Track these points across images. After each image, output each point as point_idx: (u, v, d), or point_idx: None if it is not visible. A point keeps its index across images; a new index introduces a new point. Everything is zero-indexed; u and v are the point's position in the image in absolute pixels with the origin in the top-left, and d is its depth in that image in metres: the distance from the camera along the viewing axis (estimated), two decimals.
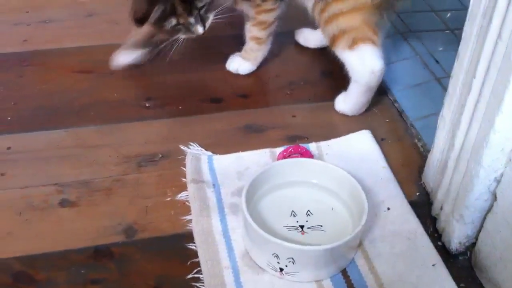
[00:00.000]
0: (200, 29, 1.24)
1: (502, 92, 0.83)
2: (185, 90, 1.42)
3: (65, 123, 1.29)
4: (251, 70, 1.45)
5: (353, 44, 1.22)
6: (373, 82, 1.25)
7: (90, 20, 1.65)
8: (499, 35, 0.83)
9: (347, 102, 1.33)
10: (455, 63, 0.98)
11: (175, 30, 1.25)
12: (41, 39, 1.57)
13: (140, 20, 1.19)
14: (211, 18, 1.26)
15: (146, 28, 1.32)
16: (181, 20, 1.22)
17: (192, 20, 1.23)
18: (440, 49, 1.53)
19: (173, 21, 1.22)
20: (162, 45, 1.31)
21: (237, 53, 1.45)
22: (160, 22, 1.21)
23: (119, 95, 1.39)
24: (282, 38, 1.57)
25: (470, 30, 0.91)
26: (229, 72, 1.45)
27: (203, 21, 1.24)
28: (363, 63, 1.24)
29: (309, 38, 1.50)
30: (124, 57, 1.41)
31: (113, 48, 1.42)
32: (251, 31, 1.39)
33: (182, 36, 1.27)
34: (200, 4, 1.22)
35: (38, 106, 1.34)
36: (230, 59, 1.45)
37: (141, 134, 1.28)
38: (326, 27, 1.25)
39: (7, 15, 1.67)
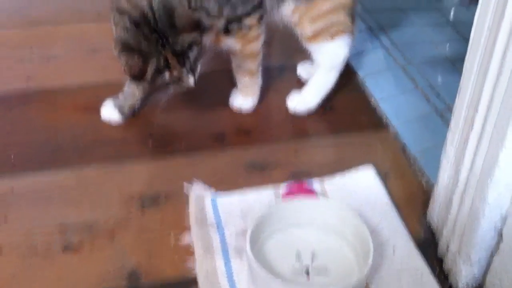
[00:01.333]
0: (191, 81, 1.23)
1: (505, 127, 0.83)
2: (188, 127, 1.42)
3: (68, 162, 1.29)
4: (254, 105, 1.45)
5: (335, 34, 1.34)
6: (341, 66, 1.40)
7: (94, 56, 1.66)
8: (500, 71, 0.83)
9: (311, 93, 1.42)
10: (457, 98, 0.98)
11: (165, 83, 1.23)
12: (44, 76, 1.58)
13: (137, 77, 1.18)
14: (199, 68, 1.25)
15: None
16: (174, 73, 1.21)
17: (184, 72, 1.21)
18: (441, 81, 1.54)
19: (167, 75, 1.21)
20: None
21: (237, 90, 1.45)
22: (153, 76, 1.20)
23: (122, 132, 1.39)
24: (284, 72, 1.59)
25: (470, 66, 0.91)
26: (231, 108, 1.46)
27: (193, 72, 1.23)
28: (341, 50, 1.37)
29: (311, 72, 1.51)
30: (107, 113, 1.41)
31: (116, 84, 1.42)
32: (241, 66, 1.39)
33: (171, 89, 1.26)
34: (192, 55, 1.21)
35: (42, 145, 1.34)
36: (232, 96, 1.45)
37: (144, 173, 1.28)
38: (310, 26, 1.32)
39: (10, 52, 1.68)
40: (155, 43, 1.16)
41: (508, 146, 0.83)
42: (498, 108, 0.84)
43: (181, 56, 1.19)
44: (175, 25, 1.16)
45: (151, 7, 1.16)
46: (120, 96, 1.39)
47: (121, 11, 1.18)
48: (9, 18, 1.86)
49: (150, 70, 1.17)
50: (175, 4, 1.17)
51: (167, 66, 1.19)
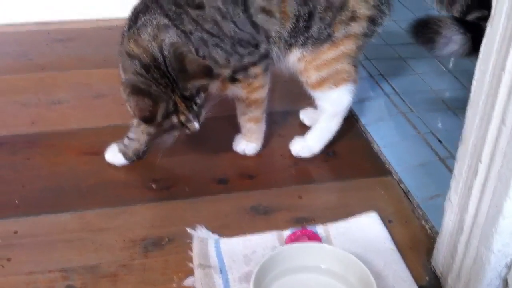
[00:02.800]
0: (196, 126, 1.24)
1: (509, 177, 0.84)
2: (192, 171, 1.43)
3: (72, 206, 1.29)
4: (258, 149, 1.46)
5: (339, 82, 1.35)
6: (344, 113, 1.42)
7: (98, 101, 1.68)
8: (503, 121, 0.84)
9: (314, 139, 1.44)
10: (460, 147, 0.99)
11: (170, 127, 1.24)
12: (49, 121, 1.59)
13: (148, 119, 1.19)
14: (203, 113, 1.26)
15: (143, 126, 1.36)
16: (182, 118, 1.22)
17: (190, 116, 1.22)
18: (442, 128, 1.55)
19: (174, 119, 1.21)
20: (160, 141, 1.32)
21: (241, 135, 1.47)
22: (162, 120, 1.20)
23: (125, 176, 1.40)
24: (287, 117, 1.61)
25: (473, 115, 0.93)
26: (234, 152, 1.47)
27: (198, 117, 1.24)
28: (345, 98, 1.38)
29: (314, 117, 1.52)
30: (111, 156, 1.42)
31: (120, 129, 1.43)
32: (246, 113, 1.41)
33: (176, 133, 1.26)
34: (199, 101, 1.22)
35: (45, 189, 1.34)
36: (236, 141, 1.46)
37: (147, 216, 1.28)
38: (315, 74, 1.33)
39: (16, 96, 1.70)
40: (165, 88, 1.17)
41: None
42: (502, 158, 0.85)
43: (189, 101, 1.20)
44: (186, 71, 1.17)
45: (162, 52, 1.18)
46: (125, 140, 1.41)
47: (131, 56, 1.19)
48: (15, 63, 1.89)
49: (160, 113, 1.18)
50: (186, 51, 1.19)
51: (175, 110, 1.20)
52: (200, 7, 1.24)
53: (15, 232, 1.21)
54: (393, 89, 1.73)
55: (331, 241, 1.19)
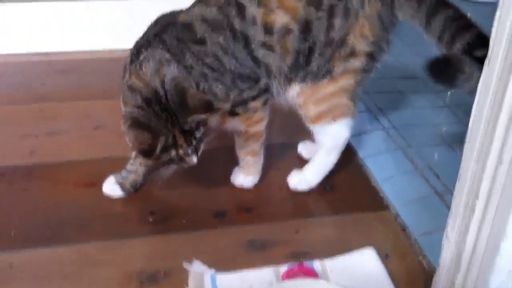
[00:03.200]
0: (194, 159, 1.24)
1: (506, 215, 0.84)
2: (189, 204, 1.43)
3: (68, 239, 1.29)
4: (256, 182, 1.47)
5: (337, 117, 1.36)
6: (342, 147, 1.42)
7: (97, 132, 1.69)
8: (500, 159, 0.84)
9: (312, 172, 1.44)
10: (457, 183, 1.00)
11: (169, 161, 1.24)
12: (48, 152, 1.59)
13: (147, 153, 1.20)
14: (202, 147, 1.26)
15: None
16: (180, 152, 1.22)
17: (189, 150, 1.23)
18: (440, 162, 1.56)
19: (173, 153, 1.21)
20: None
21: (239, 167, 1.47)
22: (160, 153, 1.21)
23: (122, 208, 1.39)
24: (285, 150, 1.61)
25: (470, 152, 0.93)
26: (231, 184, 1.47)
27: (197, 151, 1.24)
28: (343, 132, 1.39)
29: (312, 150, 1.53)
30: (109, 188, 1.42)
31: (119, 161, 1.44)
32: (244, 146, 1.42)
33: (174, 166, 1.27)
34: (198, 134, 1.23)
35: (42, 221, 1.34)
36: (233, 174, 1.47)
37: (143, 250, 1.27)
38: (314, 108, 1.34)
39: (14, 127, 1.71)
40: (165, 121, 1.18)
41: (510, 234, 0.84)
42: (499, 196, 0.85)
43: (189, 135, 1.21)
44: (187, 106, 1.18)
45: (163, 87, 1.19)
46: (123, 172, 1.41)
47: (132, 89, 1.21)
48: (16, 93, 1.91)
49: (159, 147, 1.18)
50: (187, 86, 1.21)
51: (174, 144, 1.21)
52: (202, 42, 1.25)
53: (11, 265, 1.21)
54: (391, 123, 1.74)
55: (328, 277, 1.18)
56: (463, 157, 0.97)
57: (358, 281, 1.16)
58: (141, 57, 1.23)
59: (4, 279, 1.17)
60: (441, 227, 1.07)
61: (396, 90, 1.93)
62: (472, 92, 1.13)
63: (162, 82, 1.19)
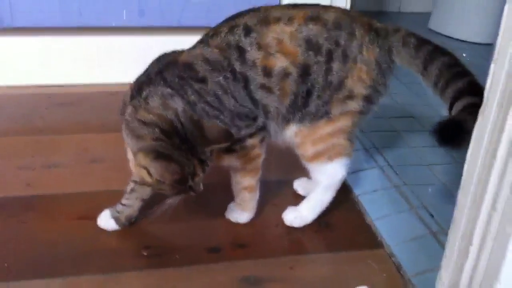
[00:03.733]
0: (201, 187, 1.26)
1: (499, 262, 0.85)
2: (184, 239, 1.43)
3: (63, 272, 1.28)
4: (251, 218, 1.47)
5: (334, 156, 1.38)
6: (338, 185, 1.44)
7: (94, 166, 1.70)
8: (493, 207, 0.86)
9: (308, 209, 1.46)
10: (451, 228, 1.00)
11: (181, 191, 1.24)
12: (44, 184, 1.60)
13: (180, 181, 1.20)
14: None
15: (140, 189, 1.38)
16: (196, 179, 1.23)
17: (200, 179, 1.24)
18: (434, 203, 1.56)
19: (190, 182, 1.22)
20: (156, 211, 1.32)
21: (234, 203, 1.48)
22: (184, 185, 1.22)
23: (118, 243, 1.39)
24: (281, 186, 1.62)
25: (464, 198, 0.94)
26: (226, 220, 1.47)
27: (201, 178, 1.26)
28: (339, 171, 1.41)
29: (308, 187, 1.54)
30: (104, 222, 1.43)
31: (115, 194, 1.44)
32: (240, 182, 1.43)
33: (181, 196, 1.27)
34: (210, 163, 1.24)
35: (37, 254, 1.34)
36: (228, 210, 1.47)
37: (137, 285, 1.27)
38: (311, 148, 1.36)
39: (12, 159, 1.71)
40: (186, 152, 1.19)
41: (503, 280, 0.85)
42: (492, 242, 0.86)
43: (204, 164, 1.23)
44: (207, 137, 1.20)
45: (179, 119, 1.20)
46: (118, 206, 1.41)
47: (147, 123, 1.20)
48: (14, 125, 1.92)
49: (187, 175, 1.19)
50: (201, 118, 1.23)
51: (193, 173, 1.21)
52: (203, 81, 1.27)
53: None
54: (386, 161, 1.75)
55: None
56: (457, 203, 0.98)
57: None
58: (144, 94, 1.24)
59: None
60: (435, 267, 1.08)
61: (392, 129, 1.95)
62: None
63: (176, 115, 1.20)
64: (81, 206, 1.51)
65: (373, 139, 1.86)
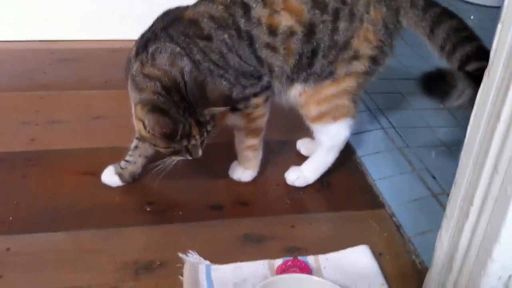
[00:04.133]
0: (200, 152, 1.26)
1: (499, 223, 0.85)
2: (187, 196, 1.44)
3: (65, 226, 1.30)
4: (254, 177, 1.48)
5: (338, 117, 1.37)
6: (341, 146, 1.45)
7: (97, 122, 1.70)
8: (495, 168, 0.85)
9: (310, 169, 1.46)
10: (453, 188, 1.00)
11: (176, 151, 1.25)
12: (47, 140, 1.60)
13: (169, 136, 1.20)
14: (205, 141, 1.27)
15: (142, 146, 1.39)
16: (192, 142, 1.23)
17: (199, 142, 1.25)
18: (437, 165, 1.57)
19: (185, 142, 1.22)
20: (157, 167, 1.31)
21: (237, 162, 1.48)
22: (174, 141, 1.22)
23: (120, 198, 1.41)
24: (284, 146, 1.62)
25: (466, 159, 0.94)
26: (229, 178, 1.48)
27: (202, 144, 1.26)
28: (343, 132, 1.41)
29: (310, 148, 1.54)
30: (107, 178, 1.44)
31: (118, 150, 1.45)
32: (244, 141, 1.43)
33: (177, 158, 1.27)
34: (209, 128, 1.24)
35: (40, 208, 1.35)
36: (232, 168, 1.48)
37: (140, 240, 1.29)
38: (315, 108, 1.36)
39: (15, 114, 1.72)
40: (183, 111, 1.19)
41: (502, 241, 0.85)
42: (493, 203, 0.86)
43: (202, 127, 1.23)
44: (207, 98, 1.20)
45: (183, 78, 1.20)
46: (122, 163, 1.42)
47: (150, 77, 1.21)
48: (17, 81, 1.91)
49: (180, 132, 1.19)
50: (206, 79, 1.23)
51: (189, 134, 1.21)
52: (208, 38, 1.26)
53: (8, 250, 1.22)
54: (390, 123, 1.75)
55: (321, 273, 1.19)
56: (459, 164, 0.98)
57: (350, 278, 1.17)
58: (150, 50, 1.23)
59: (1, 263, 1.18)
60: (435, 228, 1.08)
61: (397, 91, 1.94)
62: (460, 107, 1.13)
63: (181, 73, 1.20)
64: (84, 162, 1.51)
65: (377, 101, 1.86)
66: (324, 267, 1.21)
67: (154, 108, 1.17)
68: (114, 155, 1.45)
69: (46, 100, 1.80)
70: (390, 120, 1.76)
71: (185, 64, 1.22)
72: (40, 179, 1.45)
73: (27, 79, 1.92)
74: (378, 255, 1.26)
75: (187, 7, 1.31)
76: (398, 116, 1.79)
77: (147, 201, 1.40)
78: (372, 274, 1.20)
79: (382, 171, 1.54)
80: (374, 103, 1.84)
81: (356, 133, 1.64)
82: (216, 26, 1.27)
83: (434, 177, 1.51)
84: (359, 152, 1.61)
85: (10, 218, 1.31)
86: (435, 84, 1.13)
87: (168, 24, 1.27)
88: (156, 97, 1.19)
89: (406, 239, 1.32)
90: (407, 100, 1.89)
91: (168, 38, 1.25)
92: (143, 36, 1.29)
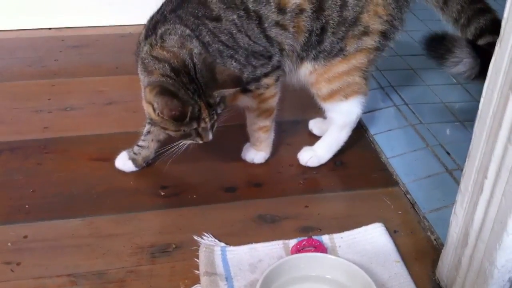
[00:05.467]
0: (210, 135, 1.25)
1: None
2: (200, 178, 1.44)
3: (81, 212, 1.31)
4: (266, 158, 1.48)
5: (349, 95, 1.36)
6: (353, 124, 1.44)
7: (110, 108, 1.71)
8: (509, 139, 0.85)
9: (323, 149, 1.46)
10: (466, 162, 1.00)
11: (186, 134, 1.24)
12: (61, 127, 1.61)
13: (178, 118, 1.19)
14: (216, 124, 1.26)
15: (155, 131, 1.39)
16: (202, 125, 1.22)
17: (209, 125, 1.24)
18: (451, 140, 1.55)
19: (194, 125, 1.22)
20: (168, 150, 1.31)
21: (250, 143, 1.48)
22: (183, 124, 1.21)
23: (134, 183, 1.41)
24: (296, 127, 1.62)
25: (480, 132, 0.93)
26: (242, 160, 1.48)
27: (212, 127, 1.25)
28: (355, 110, 1.40)
29: (323, 127, 1.53)
30: (121, 163, 1.44)
31: (131, 135, 1.45)
32: (256, 122, 1.43)
33: (188, 141, 1.27)
34: (219, 110, 1.24)
35: (56, 194, 1.36)
36: (244, 150, 1.48)
37: (155, 223, 1.29)
38: (326, 86, 1.35)
39: (28, 102, 1.72)
40: (193, 93, 1.18)
41: None
42: (507, 175, 0.86)
43: (212, 109, 1.22)
44: (216, 80, 1.19)
45: (192, 59, 1.19)
46: (135, 148, 1.42)
47: (159, 59, 1.20)
48: (29, 69, 1.92)
49: (189, 114, 1.18)
50: (215, 61, 1.22)
51: (198, 116, 1.21)
52: (217, 19, 1.26)
53: (25, 237, 1.23)
54: (403, 100, 1.73)
55: (336, 252, 1.20)
56: (473, 137, 0.97)
57: (366, 256, 1.18)
58: (160, 32, 1.23)
59: (18, 250, 1.20)
60: (450, 204, 1.08)
61: (409, 67, 1.92)
62: (461, 76, 1.13)
63: (190, 55, 1.19)
64: (97, 148, 1.52)
65: (389, 78, 1.84)
66: (339, 246, 1.22)
67: (162, 91, 1.17)
68: (128, 140, 1.46)
69: (58, 88, 1.80)
70: (403, 97, 1.75)
71: (195, 46, 1.21)
72: (55, 166, 1.46)
73: (38, 67, 1.93)
74: (393, 233, 1.26)
75: None
76: (411, 93, 1.78)
77: (161, 185, 1.40)
78: (388, 252, 1.20)
79: (395, 149, 1.53)
80: (386, 80, 1.83)
81: (369, 111, 1.63)
82: (225, 6, 1.26)
83: (448, 153, 1.50)
84: (372, 130, 1.60)
85: (27, 205, 1.32)
86: (436, 46, 1.13)
87: (177, 5, 1.27)
88: (164, 79, 1.18)
89: (421, 216, 1.31)
90: (420, 76, 1.87)
91: (178, 19, 1.24)
92: (152, 18, 1.28)
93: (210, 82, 1.19)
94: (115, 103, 1.72)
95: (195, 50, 1.20)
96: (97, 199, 1.35)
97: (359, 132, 1.55)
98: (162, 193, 1.38)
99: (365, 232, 1.25)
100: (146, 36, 1.26)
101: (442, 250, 1.12)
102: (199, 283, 1.12)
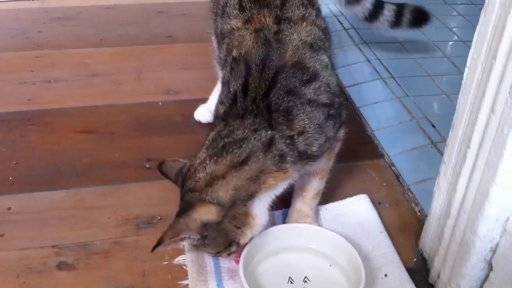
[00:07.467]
0: None
1: (496, 164, 0.85)
2: (185, 151, 1.42)
3: (66, 184, 1.30)
4: None
5: None
6: None
7: (94, 80, 1.69)
8: (492, 109, 0.85)
9: None
10: (450, 133, 1.00)
11: None
12: (45, 99, 1.60)
13: None
14: None
15: None
16: None
17: None
18: (437, 113, 1.56)
19: None
20: None
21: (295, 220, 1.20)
22: None
23: (120, 155, 1.41)
24: None
25: (464, 102, 0.94)
26: None
27: None
28: None
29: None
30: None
31: (115, 108, 1.44)
32: (318, 187, 1.18)
33: None
34: None
35: (40, 167, 1.35)
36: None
37: (140, 195, 1.29)
38: None
39: (12, 74, 1.71)
40: None
41: (499, 182, 0.85)
42: (490, 145, 0.86)
43: None
44: None
45: None
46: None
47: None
48: (12, 41, 1.90)
49: None
50: None
51: None
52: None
53: (9, 209, 1.23)
54: (390, 73, 1.73)
55: (321, 222, 1.20)
56: (456, 107, 0.97)
57: (350, 227, 1.18)
58: None
59: (2, 222, 1.19)
60: (435, 176, 1.08)
61: (396, 40, 1.91)
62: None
63: None
64: (82, 120, 1.51)
65: (375, 51, 1.83)
66: (324, 218, 1.22)
67: None
68: (112, 113, 1.45)
69: (42, 59, 1.78)
70: (390, 70, 1.74)
71: None
72: (39, 138, 1.45)
73: (22, 39, 1.90)
74: (377, 204, 1.26)
75: None
76: (398, 66, 1.77)
77: (146, 157, 1.40)
78: (372, 223, 1.20)
79: (381, 121, 1.53)
80: (372, 53, 1.82)
81: (355, 84, 1.63)
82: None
83: (433, 126, 1.50)
84: (358, 103, 1.60)
85: (10, 177, 1.31)
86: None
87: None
88: None
89: (406, 187, 1.32)
90: (406, 49, 1.87)
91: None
92: None
93: None
94: (100, 75, 1.71)
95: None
96: (82, 171, 1.34)
97: (345, 105, 1.54)
98: (147, 165, 1.37)
99: (350, 203, 1.25)
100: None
101: (425, 221, 1.13)
102: (184, 254, 1.12)
